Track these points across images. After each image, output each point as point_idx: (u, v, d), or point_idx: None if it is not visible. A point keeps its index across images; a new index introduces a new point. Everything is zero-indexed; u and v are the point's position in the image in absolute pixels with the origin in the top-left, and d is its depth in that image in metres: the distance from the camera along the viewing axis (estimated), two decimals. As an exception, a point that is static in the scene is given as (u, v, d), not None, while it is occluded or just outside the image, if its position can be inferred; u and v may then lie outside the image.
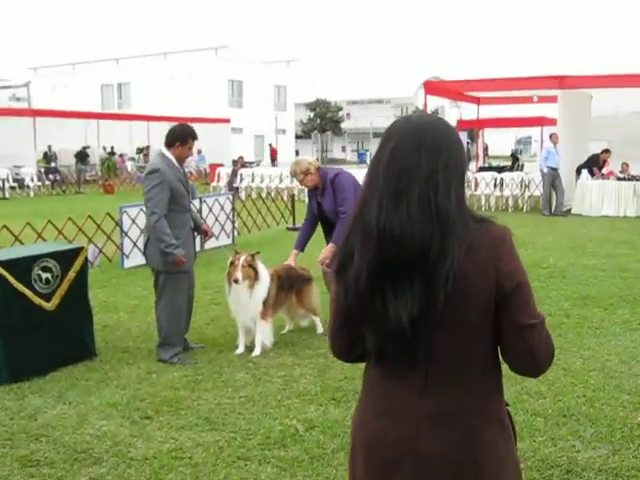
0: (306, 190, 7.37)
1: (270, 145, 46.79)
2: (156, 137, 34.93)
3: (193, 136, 6.19)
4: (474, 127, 27.57)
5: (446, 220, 1.74)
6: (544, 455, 4.26)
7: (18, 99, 56.87)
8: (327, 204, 6.62)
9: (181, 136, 6.10)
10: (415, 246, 1.73)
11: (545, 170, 17.77)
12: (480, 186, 20.03)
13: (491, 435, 1.85)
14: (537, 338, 1.80)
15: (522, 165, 29.23)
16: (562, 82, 18.06)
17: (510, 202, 19.50)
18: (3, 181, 25.11)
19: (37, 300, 5.72)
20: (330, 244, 6.51)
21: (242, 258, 6.30)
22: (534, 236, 13.69)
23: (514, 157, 29.91)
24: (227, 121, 39.81)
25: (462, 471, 1.82)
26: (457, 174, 1.82)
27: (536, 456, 4.25)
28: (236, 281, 6.25)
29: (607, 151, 18.79)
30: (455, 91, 23.67)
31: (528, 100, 21.77)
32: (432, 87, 21.98)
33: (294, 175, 6.87)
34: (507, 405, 1.97)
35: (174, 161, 6.08)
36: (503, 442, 1.88)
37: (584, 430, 4.61)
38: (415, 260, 1.74)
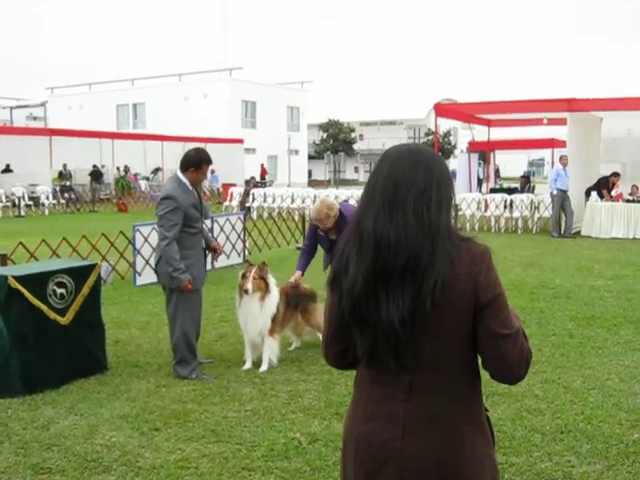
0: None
1: (262, 165, 46.80)
2: (170, 157, 35.50)
3: (207, 162, 6.25)
4: (485, 149, 27.68)
5: (436, 232, 1.93)
6: (540, 469, 4.37)
7: (35, 118, 57.82)
8: None
9: (195, 161, 6.16)
10: (408, 253, 1.90)
11: (554, 192, 17.84)
12: (490, 207, 20.13)
13: (471, 437, 2.00)
14: (511, 347, 1.95)
15: (533, 187, 29.23)
16: (571, 105, 18.21)
17: (520, 223, 19.58)
18: (19, 199, 25.47)
19: (52, 315, 5.88)
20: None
21: (253, 270, 6.42)
22: (542, 257, 13.80)
23: (525, 178, 29.93)
24: (240, 141, 40.23)
25: (443, 470, 1.96)
26: (446, 194, 2.01)
27: (532, 470, 4.36)
28: (246, 291, 6.37)
29: (617, 174, 18.85)
30: (465, 113, 23.89)
31: (538, 122, 21.86)
32: (442, 109, 22.23)
33: (325, 218, 6.63)
34: (487, 410, 2.12)
35: (188, 185, 6.16)
36: (482, 444, 2.03)
37: (580, 446, 4.72)
38: (408, 266, 1.90)
